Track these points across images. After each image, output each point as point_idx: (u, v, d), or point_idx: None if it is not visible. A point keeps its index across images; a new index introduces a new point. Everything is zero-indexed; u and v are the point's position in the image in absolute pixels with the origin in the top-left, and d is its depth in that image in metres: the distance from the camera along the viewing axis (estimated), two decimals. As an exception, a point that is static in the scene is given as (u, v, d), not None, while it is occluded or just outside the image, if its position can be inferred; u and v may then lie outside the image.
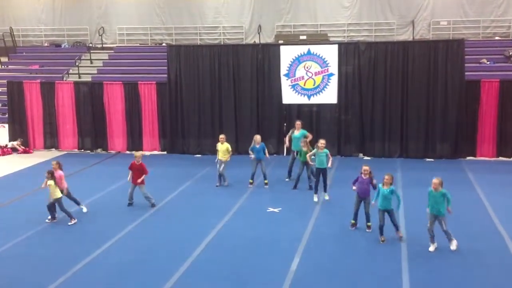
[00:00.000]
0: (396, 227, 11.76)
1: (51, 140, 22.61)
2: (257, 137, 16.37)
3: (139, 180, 14.15)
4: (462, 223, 12.50)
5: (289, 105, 20.62)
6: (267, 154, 16.32)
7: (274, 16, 27.39)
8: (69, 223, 13.11)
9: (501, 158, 19.66)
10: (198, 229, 12.67)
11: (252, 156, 16.20)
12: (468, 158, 19.67)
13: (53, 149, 22.57)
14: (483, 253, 11.06)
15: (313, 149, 14.90)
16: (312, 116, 20.49)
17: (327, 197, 14.67)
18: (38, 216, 13.51)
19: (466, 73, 19.64)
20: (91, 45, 28.48)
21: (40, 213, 13.51)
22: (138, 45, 28.65)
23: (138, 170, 14.22)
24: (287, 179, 16.82)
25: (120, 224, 13.06)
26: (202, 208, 14.38)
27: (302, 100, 20.37)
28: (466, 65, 19.74)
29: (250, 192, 15.75)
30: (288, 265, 10.56)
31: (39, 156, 21.18)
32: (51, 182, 12.97)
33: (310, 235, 12.24)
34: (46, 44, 30.08)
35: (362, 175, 12.16)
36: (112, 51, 27.64)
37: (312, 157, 14.71)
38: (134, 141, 21.87)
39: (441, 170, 17.85)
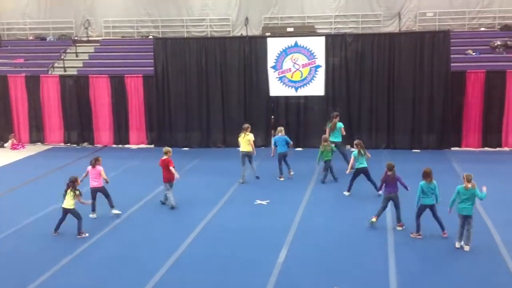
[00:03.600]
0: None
1: (37, 134, 22.51)
2: (279, 128, 16.45)
3: (176, 176, 13.74)
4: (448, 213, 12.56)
5: (277, 97, 20.62)
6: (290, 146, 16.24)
7: (261, 8, 27.23)
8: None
9: (486, 149, 19.87)
10: (186, 222, 12.68)
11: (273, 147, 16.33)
12: (454, 148, 19.83)
13: (39, 143, 22.41)
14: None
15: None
16: (299, 108, 20.51)
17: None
18: (29, 209, 13.39)
19: (452, 64, 19.76)
20: (76, 38, 28.19)
21: (32, 206, 13.40)
22: (123, 38, 28.41)
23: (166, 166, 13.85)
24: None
25: (105, 219, 12.99)
26: (190, 201, 14.36)
27: (290, 92, 20.38)
28: (452, 56, 19.87)
29: (238, 185, 15.74)
30: (275, 257, 10.58)
31: (31, 151, 21.02)
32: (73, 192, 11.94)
33: (298, 227, 12.27)
34: (31, 38, 29.68)
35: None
36: (98, 44, 27.38)
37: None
38: (121, 134, 21.78)
39: (427, 161, 17.95)
